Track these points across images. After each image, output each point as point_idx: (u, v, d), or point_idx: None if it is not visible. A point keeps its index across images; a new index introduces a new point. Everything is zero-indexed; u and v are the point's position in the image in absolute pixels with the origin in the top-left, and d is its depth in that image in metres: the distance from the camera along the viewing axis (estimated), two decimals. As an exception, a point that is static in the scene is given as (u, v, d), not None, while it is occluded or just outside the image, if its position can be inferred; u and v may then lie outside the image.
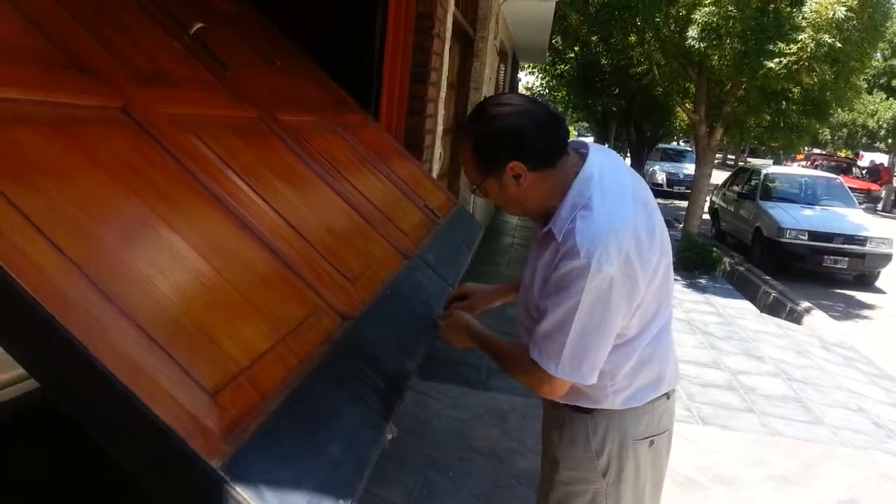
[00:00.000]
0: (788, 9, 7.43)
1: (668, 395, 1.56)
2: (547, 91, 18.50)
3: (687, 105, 9.89)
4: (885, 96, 18.56)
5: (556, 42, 11.87)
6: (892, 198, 19.91)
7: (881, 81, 18.82)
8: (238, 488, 0.78)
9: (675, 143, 22.29)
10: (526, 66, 17.37)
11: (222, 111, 1.79)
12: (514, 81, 14.28)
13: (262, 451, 0.88)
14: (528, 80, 19.84)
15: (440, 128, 4.35)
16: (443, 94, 4.22)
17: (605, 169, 1.42)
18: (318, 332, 1.27)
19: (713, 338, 5.92)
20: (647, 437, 1.52)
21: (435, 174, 4.31)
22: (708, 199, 11.00)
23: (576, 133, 37.29)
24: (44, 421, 1.54)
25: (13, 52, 1.15)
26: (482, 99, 1.45)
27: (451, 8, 4.12)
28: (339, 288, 1.50)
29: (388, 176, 2.65)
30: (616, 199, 1.38)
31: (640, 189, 1.48)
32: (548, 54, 12.56)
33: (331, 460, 1.01)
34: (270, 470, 0.87)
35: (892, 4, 9.96)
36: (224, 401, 0.89)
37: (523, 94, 1.44)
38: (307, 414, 1.03)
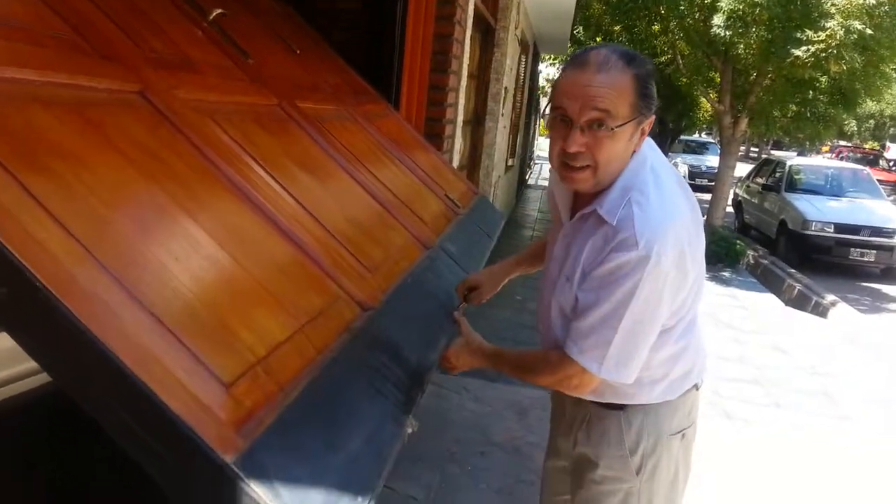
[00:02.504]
0: (817, -5, 7.26)
1: (696, 386, 1.52)
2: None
3: (711, 95, 9.73)
4: (915, 86, 18.15)
5: (578, 32, 11.70)
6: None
7: (911, 71, 18.39)
8: (252, 485, 0.75)
9: (697, 135, 21.99)
10: (547, 57, 17.19)
11: (241, 98, 1.76)
12: (535, 73, 14.15)
13: (278, 445, 0.85)
14: (549, 71, 19.63)
15: (460, 118, 4.30)
16: (463, 83, 4.16)
17: (654, 155, 1.36)
18: (337, 322, 1.23)
19: (738, 331, 5.82)
20: (679, 431, 1.47)
21: (455, 164, 4.27)
22: (731, 191, 10.83)
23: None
24: (56, 413, 1.53)
25: (32, 34, 1.13)
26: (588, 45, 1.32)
27: (473, -4, 4.07)
28: (358, 277, 1.46)
29: (408, 166, 2.62)
30: (670, 189, 1.32)
31: (682, 180, 1.43)
32: (570, 45, 12.41)
33: (349, 456, 0.97)
34: (286, 465, 0.83)
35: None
36: (239, 392, 0.86)
37: None
38: (325, 407, 1.00)
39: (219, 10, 2.00)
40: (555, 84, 1.33)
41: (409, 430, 1.17)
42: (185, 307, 0.91)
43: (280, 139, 1.78)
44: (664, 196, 1.29)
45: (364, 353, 1.23)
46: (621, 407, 1.43)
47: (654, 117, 1.31)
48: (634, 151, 1.32)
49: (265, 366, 0.95)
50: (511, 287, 1.97)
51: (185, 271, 0.98)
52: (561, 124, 1.28)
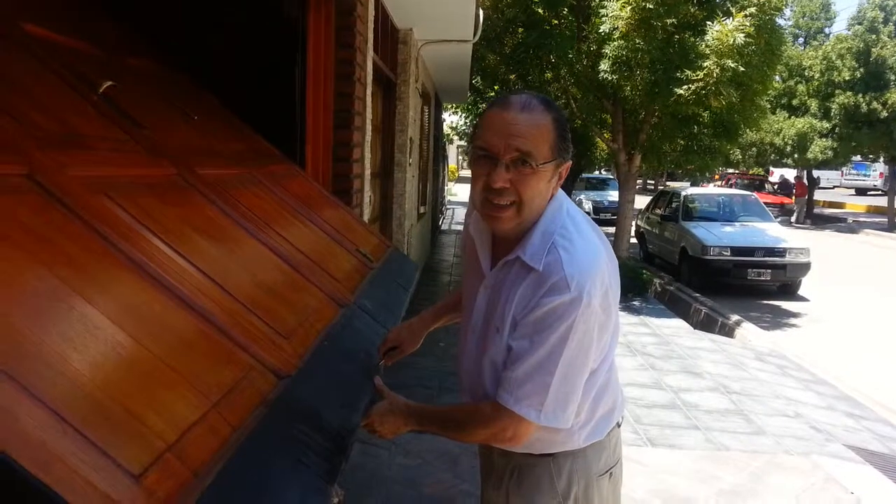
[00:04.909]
0: (692, 38, 7.84)
1: (618, 424, 1.55)
2: (471, 129, 18.84)
3: (605, 135, 10.23)
4: (787, 115, 19.73)
5: (477, 82, 12.12)
6: (805, 210, 21.09)
7: (783, 101, 20.00)
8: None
9: (597, 172, 23.01)
10: (449, 106, 17.67)
11: (138, 170, 1.72)
12: (439, 122, 14.48)
13: (197, 533, 0.82)
14: (452, 119, 20.16)
15: (368, 172, 4.33)
16: (368, 138, 4.21)
17: (568, 201, 1.41)
18: (251, 394, 1.20)
19: (652, 358, 6.03)
20: (607, 471, 1.49)
21: (366, 218, 4.28)
22: (633, 223, 11.35)
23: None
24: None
25: None
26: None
27: (370, 53, 4.15)
28: (272, 344, 1.44)
29: (318, 224, 2.61)
30: (587, 233, 1.37)
31: (594, 224, 1.47)
32: (469, 94, 12.81)
33: (273, 534, 0.94)
34: (206, 554, 0.80)
35: (785, 30, 10.67)
36: (151, 482, 0.82)
37: None
38: (243, 487, 0.96)
39: (109, 82, 1.96)
40: (478, 123, 1.35)
41: (335, 500, 1.15)
42: (86, 397, 0.87)
43: (180, 209, 1.74)
44: (585, 239, 1.33)
45: (282, 424, 1.21)
46: (550, 454, 1.44)
47: (570, 163, 1.36)
48: (552, 196, 1.37)
49: (177, 451, 0.91)
50: (432, 334, 1.97)
51: (84, 359, 0.93)
52: (485, 161, 1.30)
